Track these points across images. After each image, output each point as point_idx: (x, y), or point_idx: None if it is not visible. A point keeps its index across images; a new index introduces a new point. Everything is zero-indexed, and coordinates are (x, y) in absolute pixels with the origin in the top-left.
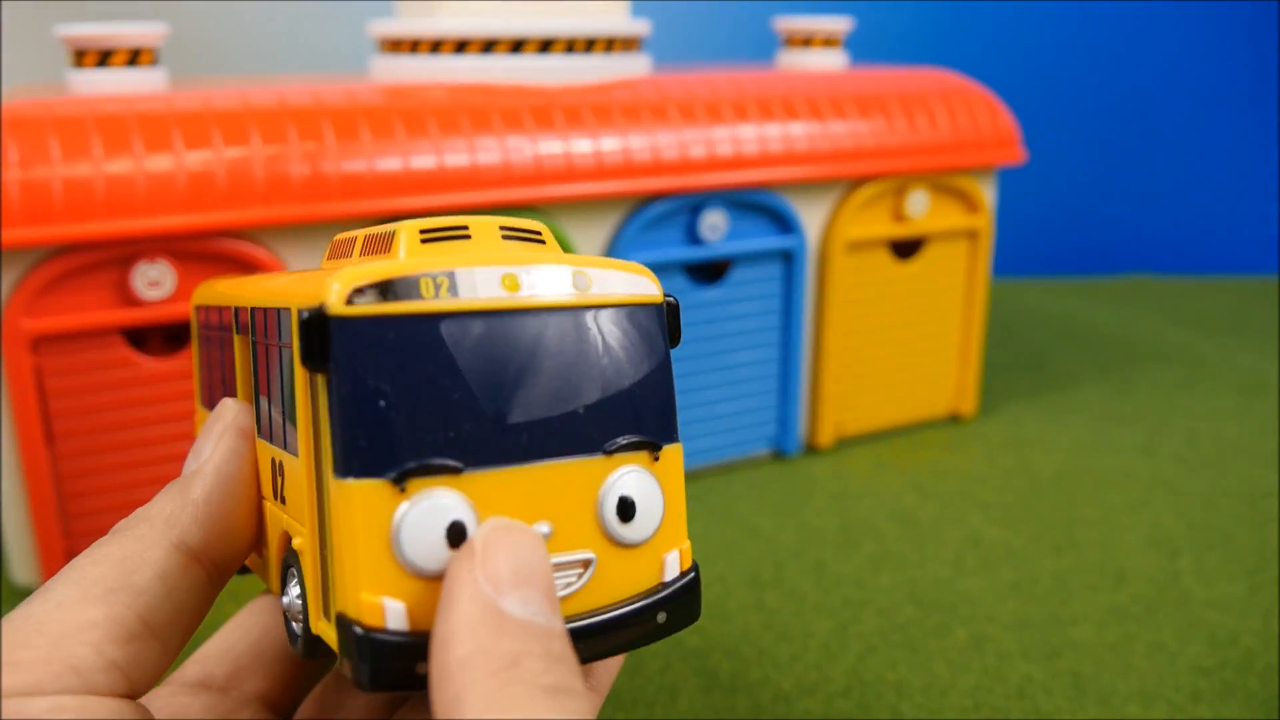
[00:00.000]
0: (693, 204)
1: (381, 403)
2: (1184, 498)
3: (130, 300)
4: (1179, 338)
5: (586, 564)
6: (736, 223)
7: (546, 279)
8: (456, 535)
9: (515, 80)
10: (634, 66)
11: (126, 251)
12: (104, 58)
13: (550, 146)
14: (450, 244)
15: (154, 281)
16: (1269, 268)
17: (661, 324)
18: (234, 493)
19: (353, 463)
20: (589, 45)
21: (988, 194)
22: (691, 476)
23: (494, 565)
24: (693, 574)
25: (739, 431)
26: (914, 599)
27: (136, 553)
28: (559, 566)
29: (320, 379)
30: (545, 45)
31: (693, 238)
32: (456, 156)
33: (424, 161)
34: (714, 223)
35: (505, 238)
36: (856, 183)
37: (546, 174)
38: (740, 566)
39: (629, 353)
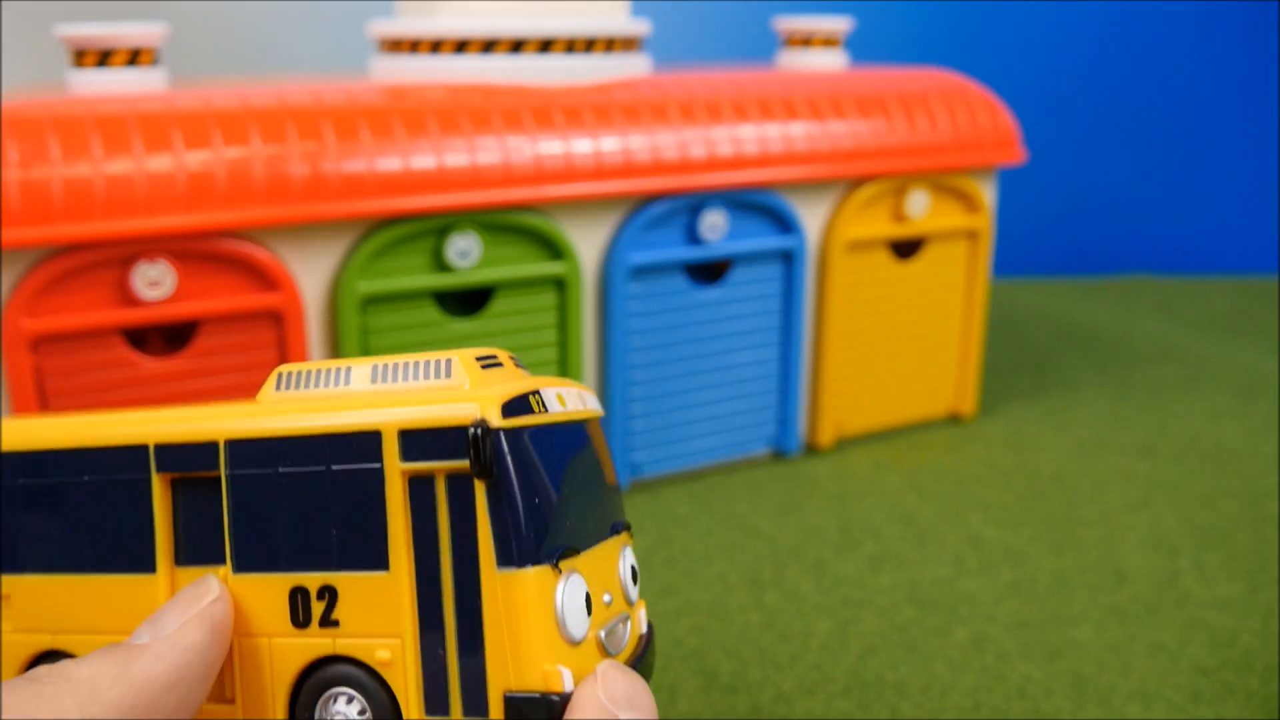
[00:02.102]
0: (693, 204)
1: (536, 499)
2: (1184, 498)
3: (130, 300)
4: (1179, 338)
5: (626, 620)
6: (736, 223)
7: (571, 397)
8: (589, 607)
9: (515, 80)
10: (634, 66)
11: (126, 251)
12: (104, 58)
13: (550, 146)
14: (498, 371)
15: (154, 281)
16: (1269, 268)
17: (602, 432)
18: (175, 687)
19: (527, 553)
20: (589, 45)
21: (988, 194)
22: (691, 476)
23: (613, 689)
24: (651, 625)
25: (739, 431)
26: (914, 599)
27: None
28: (617, 624)
29: (479, 487)
30: (545, 45)
31: (693, 238)
32: (456, 156)
33: (424, 161)
34: (714, 223)
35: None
36: (856, 183)
37: (546, 174)
38: (740, 566)
39: (600, 452)
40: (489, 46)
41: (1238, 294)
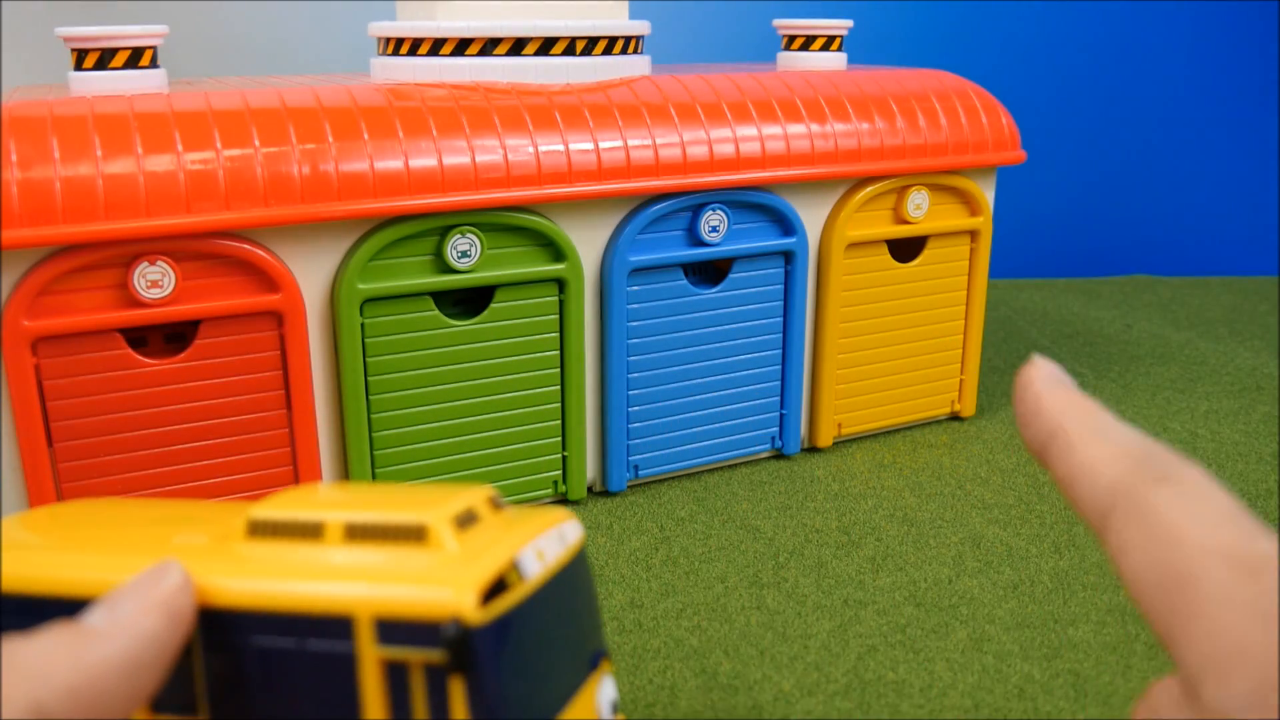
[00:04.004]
0: (693, 204)
1: (514, 688)
2: None
3: (130, 300)
4: (1179, 338)
5: None
6: (736, 223)
7: (549, 545)
8: None
9: (515, 80)
10: (634, 66)
11: (126, 251)
12: (104, 59)
13: (550, 146)
14: (476, 528)
15: (154, 281)
16: (1269, 268)
17: (585, 560)
18: (128, 675)
19: None
20: (589, 45)
21: (988, 194)
22: (691, 476)
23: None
24: None
25: (739, 431)
26: (914, 599)
27: None
28: None
29: (457, 681)
30: (545, 45)
31: (693, 238)
32: (456, 156)
33: (424, 161)
34: (714, 223)
35: (495, 507)
36: (856, 183)
37: (546, 174)
38: (740, 566)
39: (587, 586)
40: (489, 46)
41: (1238, 294)
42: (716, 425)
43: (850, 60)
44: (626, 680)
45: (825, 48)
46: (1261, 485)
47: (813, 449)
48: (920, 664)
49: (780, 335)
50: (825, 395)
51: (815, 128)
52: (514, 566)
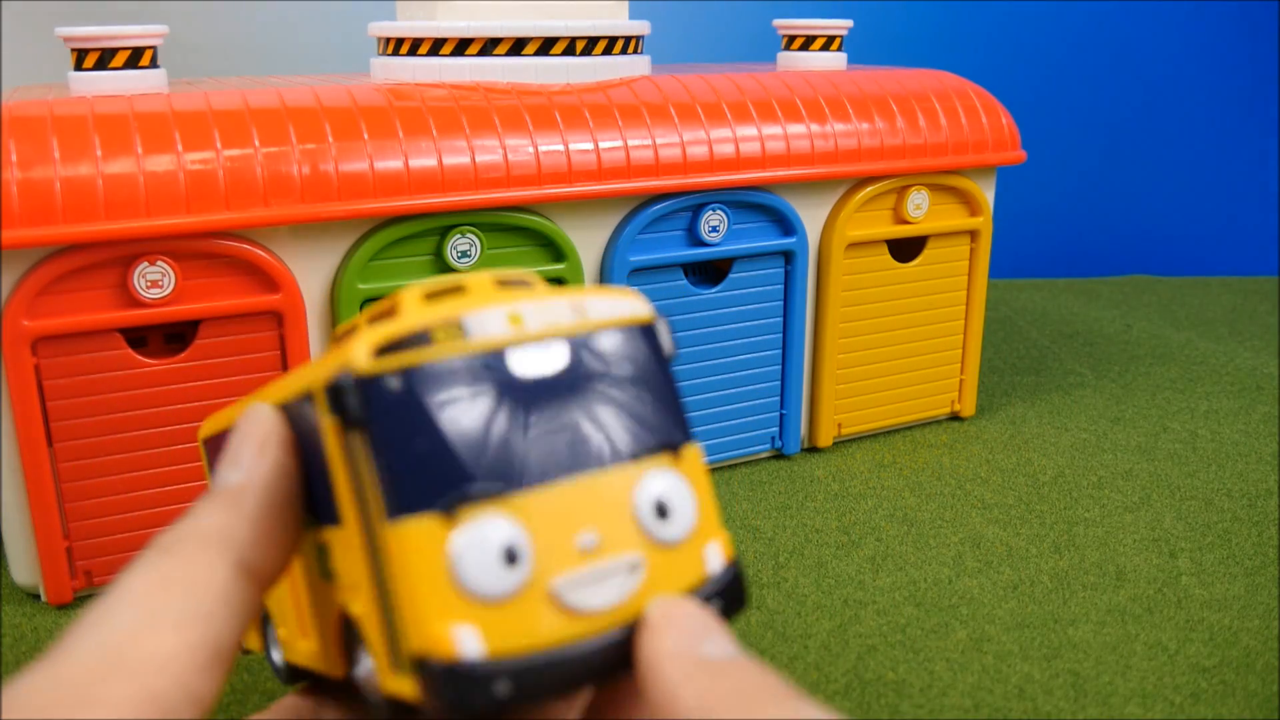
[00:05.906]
0: (693, 204)
1: (421, 444)
2: (1184, 498)
3: (130, 300)
4: (1179, 338)
5: (634, 566)
6: (736, 223)
7: (546, 311)
8: (511, 556)
9: (515, 80)
10: (634, 66)
11: (126, 251)
12: (104, 59)
13: (550, 146)
14: (452, 298)
15: (154, 281)
16: (1269, 268)
17: (656, 339)
18: (286, 503)
19: (401, 502)
20: (589, 45)
21: (988, 194)
22: None
23: (681, 626)
24: (736, 564)
25: (739, 431)
26: (914, 599)
27: (202, 577)
28: (607, 572)
29: (360, 438)
30: (545, 45)
31: (693, 238)
32: (456, 156)
33: (424, 161)
34: (714, 223)
35: (501, 286)
36: (856, 183)
37: (546, 174)
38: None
39: (633, 368)
40: (489, 46)
41: (1238, 294)
42: (716, 425)
43: (850, 60)
44: None
45: (825, 48)
46: (1261, 485)
47: (813, 449)
48: (920, 664)
49: (780, 335)
50: (825, 395)
51: (815, 128)
52: (454, 325)
